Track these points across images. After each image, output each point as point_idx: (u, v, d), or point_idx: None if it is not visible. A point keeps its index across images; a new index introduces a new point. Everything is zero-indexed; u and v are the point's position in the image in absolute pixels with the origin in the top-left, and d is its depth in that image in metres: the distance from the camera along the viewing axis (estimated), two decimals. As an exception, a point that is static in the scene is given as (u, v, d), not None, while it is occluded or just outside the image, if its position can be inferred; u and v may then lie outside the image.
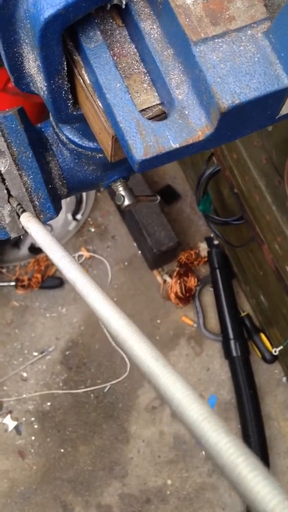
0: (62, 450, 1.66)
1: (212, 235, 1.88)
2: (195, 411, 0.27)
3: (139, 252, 1.89)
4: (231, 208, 1.62)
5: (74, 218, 1.88)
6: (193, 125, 0.43)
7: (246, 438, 1.63)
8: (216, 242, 1.87)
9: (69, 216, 1.87)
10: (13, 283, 1.79)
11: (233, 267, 1.83)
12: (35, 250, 1.82)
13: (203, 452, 1.68)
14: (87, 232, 1.92)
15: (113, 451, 1.67)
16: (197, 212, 1.94)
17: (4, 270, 1.82)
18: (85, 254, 1.88)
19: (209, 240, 1.88)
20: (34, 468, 1.65)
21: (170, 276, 1.84)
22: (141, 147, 0.42)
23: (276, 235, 1.29)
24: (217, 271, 1.79)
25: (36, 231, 0.48)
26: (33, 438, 1.67)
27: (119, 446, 1.68)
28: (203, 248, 1.90)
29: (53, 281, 1.80)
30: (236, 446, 0.25)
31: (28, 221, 0.50)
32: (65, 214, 1.86)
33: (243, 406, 1.65)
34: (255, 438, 1.62)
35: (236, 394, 1.69)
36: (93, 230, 1.92)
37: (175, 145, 0.43)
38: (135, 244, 1.90)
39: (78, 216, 1.88)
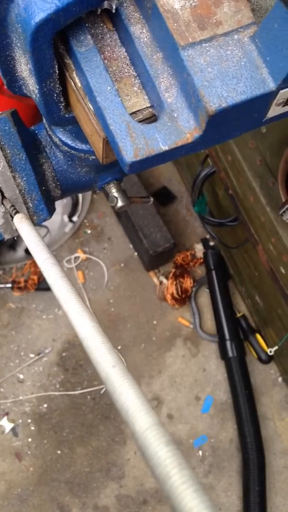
0: (59, 452, 1.67)
1: (207, 236, 1.89)
2: (141, 420, 0.27)
3: (135, 253, 1.89)
4: (226, 209, 1.63)
5: (71, 220, 1.88)
6: (182, 127, 0.44)
7: (243, 438, 1.63)
8: (211, 243, 1.88)
9: (66, 218, 1.87)
10: (9, 285, 1.80)
11: (228, 268, 1.84)
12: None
13: (200, 453, 1.68)
14: (83, 234, 1.92)
15: (110, 453, 1.67)
16: (192, 214, 1.95)
17: (0, 272, 1.82)
18: (82, 255, 1.88)
19: (204, 241, 1.89)
20: (31, 469, 1.65)
21: (166, 277, 1.85)
22: (131, 149, 0.43)
23: (270, 236, 1.30)
24: (213, 272, 1.80)
25: (26, 232, 0.49)
26: (29, 440, 1.67)
27: (116, 447, 1.68)
28: (199, 249, 1.91)
29: (50, 283, 1.81)
30: (173, 456, 0.25)
31: (20, 222, 0.50)
32: (61, 216, 1.87)
33: (239, 407, 1.66)
34: (251, 438, 1.62)
35: (232, 394, 1.70)
36: (89, 232, 1.93)
37: (164, 147, 0.43)
38: (131, 246, 1.91)
39: (75, 218, 1.89)
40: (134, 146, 0.43)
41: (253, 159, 1.28)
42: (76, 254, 1.88)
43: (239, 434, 1.66)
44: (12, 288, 1.79)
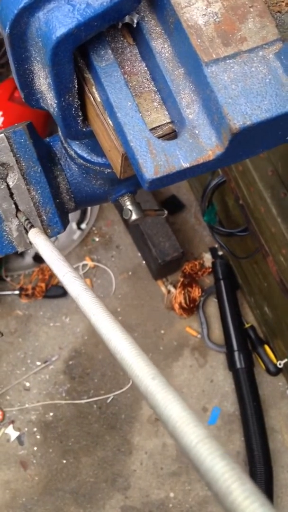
0: (64, 461, 1.65)
1: (216, 245, 1.88)
2: (191, 433, 0.26)
3: (144, 262, 1.88)
4: (236, 219, 1.61)
5: (79, 228, 1.88)
6: (204, 144, 0.43)
7: (250, 451, 1.61)
8: (220, 252, 1.86)
9: (74, 226, 1.87)
10: (17, 292, 1.79)
11: (237, 278, 1.82)
12: (39, 259, 1.82)
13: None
14: (91, 241, 1.92)
15: (115, 463, 1.66)
16: (201, 223, 1.94)
17: (8, 279, 1.82)
18: (90, 263, 1.88)
19: (213, 251, 1.88)
20: (36, 479, 1.63)
21: (174, 286, 1.84)
22: (151, 166, 0.42)
23: (281, 247, 1.28)
24: (221, 282, 1.79)
25: (43, 247, 0.48)
26: (35, 448, 1.66)
27: (122, 457, 1.66)
28: (208, 258, 1.89)
29: (57, 290, 1.80)
30: (232, 470, 0.24)
31: (36, 237, 0.50)
32: (69, 223, 1.86)
33: (247, 419, 1.64)
34: (259, 451, 1.60)
35: (240, 406, 1.68)
36: (97, 239, 1.92)
37: (185, 165, 0.43)
38: (139, 254, 1.90)
39: (83, 226, 1.88)
40: (154, 163, 0.43)
41: (265, 169, 1.27)
42: (84, 262, 1.88)
43: (247, 446, 1.64)
44: (19, 295, 1.79)
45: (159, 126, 0.47)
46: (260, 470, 1.58)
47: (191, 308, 1.80)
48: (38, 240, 0.49)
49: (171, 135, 0.47)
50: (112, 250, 1.91)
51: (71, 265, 0.43)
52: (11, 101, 1.73)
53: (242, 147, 0.43)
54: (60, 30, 0.41)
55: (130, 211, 0.66)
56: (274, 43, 0.43)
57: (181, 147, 0.43)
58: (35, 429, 1.68)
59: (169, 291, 1.84)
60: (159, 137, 0.46)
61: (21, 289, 1.79)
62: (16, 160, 0.56)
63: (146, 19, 0.47)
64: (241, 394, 1.67)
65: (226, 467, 0.24)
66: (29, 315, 1.81)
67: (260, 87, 0.41)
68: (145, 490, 1.63)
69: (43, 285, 1.79)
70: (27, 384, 1.72)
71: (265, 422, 1.66)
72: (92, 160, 0.60)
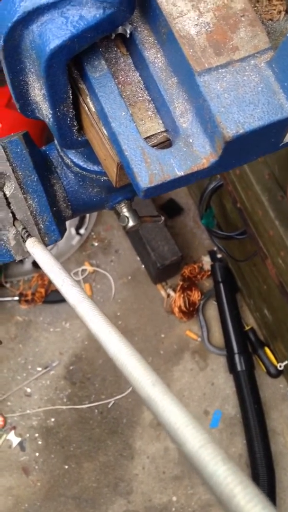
0: (66, 467, 1.65)
1: (215, 248, 1.89)
2: (192, 439, 0.26)
3: (143, 266, 1.89)
4: (234, 222, 1.62)
5: (78, 233, 1.88)
6: (198, 153, 0.43)
7: (252, 453, 1.61)
8: (219, 255, 1.87)
9: (73, 231, 1.87)
10: (16, 298, 1.80)
11: (236, 281, 1.82)
12: (38, 265, 1.83)
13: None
14: (90, 246, 1.92)
15: (117, 468, 1.66)
16: (200, 226, 1.94)
17: (8, 285, 1.82)
18: (89, 268, 1.88)
19: (212, 254, 1.88)
20: (38, 484, 1.63)
21: (174, 290, 1.84)
22: (146, 175, 0.43)
23: (279, 249, 1.29)
24: (221, 285, 1.79)
25: (40, 257, 0.48)
26: (37, 454, 1.66)
27: (124, 462, 1.66)
28: (207, 261, 1.90)
29: (57, 296, 1.80)
30: (234, 474, 0.24)
31: (33, 247, 0.50)
32: (68, 228, 1.87)
33: (248, 421, 1.64)
34: (261, 454, 1.60)
35: (241, 409, 1.68)
36: (96, 244, 1.92)
37: (180, 173, 0.43)
38: (138, 258, 1.90)
39: (82, 231, 1.88)
40: (149, 172, 0.43)
41: (262, 172, 1.28)
42: (83, 267, 1.88)
43: (248, 449, 1.64)
44: (19, 301, 1.79)
45: (153, 135, 0.47)
46: (262, 473, 1.58)
47: (191, 311, 1.80)
48: (36, 250, 0.49)
49: (166, 144, 0.47)
50: (111, 255, 1.91)
51: (68, 274, 0.43)
52: (8, 108, 1.73)
53: (236, 155, 0.44)
54: (53, 42, 0.42)
55: (127, 218, 0.66)
56: (265, 51, 0.44)
57: (175, 155, 0.43)
58: (36, 434, 1.67)
59: (168, 295, 1.84)
60: (153, 146, 0.47)
61: (20, 295, 1.80)
62: (13, 170, 0.57)
63: (139, 29, 0.48)
64: (242, 396, 1.67)
65: (228, 471, 0.24)
66: (29, 320, 1.81)
67: (252, 95, 0.42)
68: (147, 494, 1.63)
69: (42, 290, 1.79)
70: (28, 390, 1.72)
71: (266, 424, 1.66)
72: (88, 168, 0.60)
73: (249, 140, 0.42)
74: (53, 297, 1.80)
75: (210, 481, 0.24)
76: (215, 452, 0.25)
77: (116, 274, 1.88)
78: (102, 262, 1.90)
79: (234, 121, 0.41)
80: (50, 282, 1.83)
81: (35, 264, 1.84)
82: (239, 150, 0.43)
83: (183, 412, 0.28)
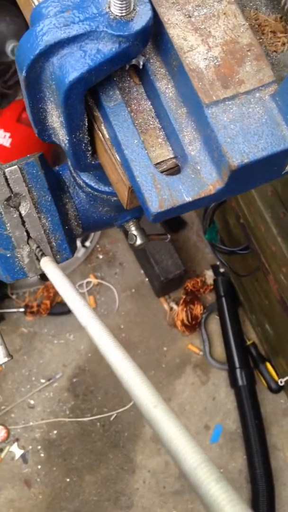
0: (67, 480, 1.66)
1: (218, 263, 1.91)
2: (189, 459, 0.28)
3: (146, 279, 1.91)
4: (237, 237, 1.64)
5: (83, 245, 1.91)
6: (205, 179, 0.46)
7: (252, 469, 1.62)
8: (222, 270, 1.89)
9: (78, 243, 1.90)
10: (22, 309, 1.82)
11: (239, 295, 1.84)
12: (44, 276, 1.85)
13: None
14: (95, 259, 1.95)
15: (118, 481, 1.66)
16: (203, 240, 1.97)
17: (14, 296, 1.85)
18: (93, 280, 1.90)
19: (215, 268, 1.90)
20: (40, 497, 1.64)
21: (177, 303, 1.86)
22: (156, 200, 0.45)
23: (281, 265, 1.31)
24: (223, 299, 1.81)
25: (53, 276, 0.51)
26: (39, 467, 1.67)
27: (125, 476, 1.67)
28: (209, 276, 1.92)
29: (62, 308, 1.82)
30: (225, 493, 0.26)
31: (47, 266, 0.52)
32: (73, 241, 1.89)
33: (249, 437, 1.65)
34: (261, 469, 1.60)
35: (242, 424, 1.69)
36: (101, 257, 1.95)
37: (188, 199, 0.46)
38: (142, 272, 1.93)
39: (87, 243, 1.91)
40: (159, 197, 0.46)
41: (264, 189, 1.30)
42: (88, 279, 1.90)
43: (249, 464, 1.64)
44: (25, 312, 1.81)
45: (163, 161, 0.50)
46: (262, 488, 1.58)
47: (193, 325, 1.82)
48: (49, 269, 0.52)
49: (175, 169, 0.50)
50: (116, 268, 1.94)
51: (79, 293, 0.46)
52: (19, 123, 1.77)
53: (241, 182, 0.47)
54: (72, 75, 0.45)
55: (135, 236, 0.69)
56: (270, 85, 0.46)
57: (184, 182, 0.46)
58: (39, 447, 1.68)
59: (171, 308, 1.86)
60: (163, 171, 0.49)
61: (26, 306, 1.82)
62: (28, 190, 0.59)
63: (151, 61, 0.51)
64: (243, 411, 1.68)
65: (220, 490, 0.27)
66: (34, 332, 1.83)
67: (257, 126, 0.44)
68: (148, 508, 1.63)
69: (48, 302, 1.81)
70: (32, 401, 1.74)
71: (267, 440, 1.66)
72: (100, 189, 0.63)
73: (254, 168, 0.45)
74: (58, 309, 1.82)
75: (204, 500, 0.27)
76: (210, 471, 0.27)
77: (120, 287, 1.90)
78: (107, 274, 1.92)
79: (240, 151, 0.44)
80: (55, 294, 1.85)
81: (41, 276, 1.86)
82: (244, 177, 0.46)
83: (183, 433, 0.30)
